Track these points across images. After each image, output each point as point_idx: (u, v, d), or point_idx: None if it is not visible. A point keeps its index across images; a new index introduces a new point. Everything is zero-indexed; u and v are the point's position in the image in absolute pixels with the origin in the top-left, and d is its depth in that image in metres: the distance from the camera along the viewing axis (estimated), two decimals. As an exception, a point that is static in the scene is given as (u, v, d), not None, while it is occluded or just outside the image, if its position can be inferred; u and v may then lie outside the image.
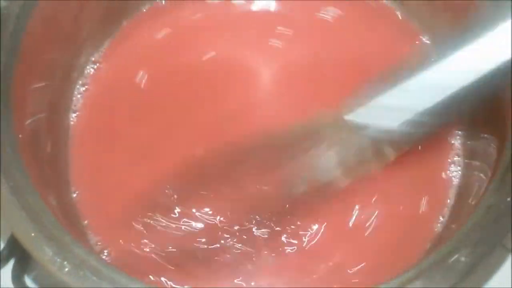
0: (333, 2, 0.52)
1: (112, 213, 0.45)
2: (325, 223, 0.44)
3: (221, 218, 0.44)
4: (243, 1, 0.53)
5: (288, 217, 0.44)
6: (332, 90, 0.48)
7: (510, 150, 0.38)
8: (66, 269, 0.34)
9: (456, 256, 0.35)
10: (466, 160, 0.46)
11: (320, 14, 0.52)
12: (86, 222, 0.45)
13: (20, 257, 0.41)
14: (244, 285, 0.43)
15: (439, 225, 0.44)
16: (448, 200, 0.45)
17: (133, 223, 0.44)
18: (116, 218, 0.45)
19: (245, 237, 0.44)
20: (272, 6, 0.53)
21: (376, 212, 0.45)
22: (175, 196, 0.45)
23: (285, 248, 0.44)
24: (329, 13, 0.52)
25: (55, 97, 0.47)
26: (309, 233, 0.44)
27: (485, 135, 0.43)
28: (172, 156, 0.47)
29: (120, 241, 0.44)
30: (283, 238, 0.44)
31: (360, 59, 0.50)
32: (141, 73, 0.50)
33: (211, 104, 0.49)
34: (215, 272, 0.43)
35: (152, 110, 0.49)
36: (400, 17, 0.52)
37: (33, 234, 0.36)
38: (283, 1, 0.53)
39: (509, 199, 0.36)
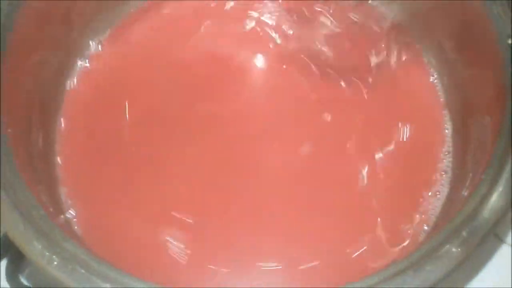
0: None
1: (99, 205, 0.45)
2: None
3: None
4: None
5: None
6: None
7: (505, 139, 0.38)
8: (55, 263, 0.34)
9: (447, 247, 0.34)
10: (459, 151, 0.46)
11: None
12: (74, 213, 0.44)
13: (14, 255, 0.41)
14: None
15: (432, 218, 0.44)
16: (438, 194, 0.45)
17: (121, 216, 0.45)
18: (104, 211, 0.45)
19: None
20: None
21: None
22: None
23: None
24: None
25: (46, 93, 0.47)
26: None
27: (480, 124, 0.43)
28: (162, 149, 0.47)
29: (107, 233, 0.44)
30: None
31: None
32: (131, 72, 0.50)
33: (203, 101, 0.49)
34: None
35: (141, 107, 0.49)
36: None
37: (22, 229, 0.35)
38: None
39: (501, 189, 0.36)
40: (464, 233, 0.35)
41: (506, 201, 0.36)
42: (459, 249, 0.34)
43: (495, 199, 0.36)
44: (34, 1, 0.43)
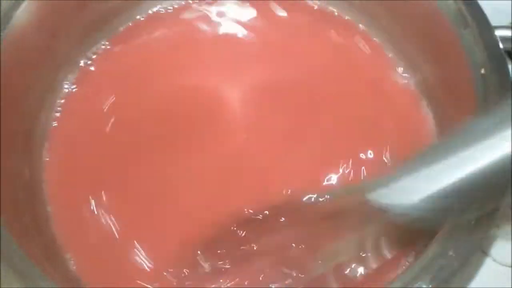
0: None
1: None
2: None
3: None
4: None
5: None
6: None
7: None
8: (34, 305, 0.35)
9: (417, 284, 0.35)
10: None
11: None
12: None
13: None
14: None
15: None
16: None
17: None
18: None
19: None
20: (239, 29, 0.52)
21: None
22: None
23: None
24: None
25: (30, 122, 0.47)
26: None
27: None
28: (149, 185, 0.46)
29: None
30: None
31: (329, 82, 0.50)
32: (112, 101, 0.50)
33: (184, 133, 0.48)
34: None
35: (123, 137, 0.48)
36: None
37: (1, 270, 0.36)
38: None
39: (473, 222, 0.36)
40: (433, 270, 0.35)
41: (476, 236, 0.36)
42: (430, 286, 0.35)
43: (465, 233, 0.36)
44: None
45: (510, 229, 0.47)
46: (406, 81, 0.49)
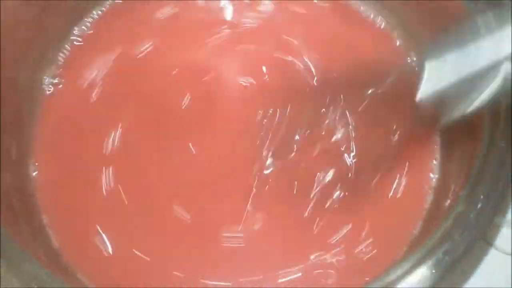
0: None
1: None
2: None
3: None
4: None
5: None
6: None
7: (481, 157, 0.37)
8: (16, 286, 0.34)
9: (422, 268, 0.34)
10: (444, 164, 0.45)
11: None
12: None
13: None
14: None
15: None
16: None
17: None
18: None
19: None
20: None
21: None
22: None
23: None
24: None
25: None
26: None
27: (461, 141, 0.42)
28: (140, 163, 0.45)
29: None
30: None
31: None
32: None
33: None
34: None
35: (116, 114, 0.47)
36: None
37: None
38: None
39: (480, 205, 0.35)
40: (438, 254, 0.34)
41: (482, 221, 0.35)
42: (433, 271, 0.34)
43: (472, 218, 0.35)
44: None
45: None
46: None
